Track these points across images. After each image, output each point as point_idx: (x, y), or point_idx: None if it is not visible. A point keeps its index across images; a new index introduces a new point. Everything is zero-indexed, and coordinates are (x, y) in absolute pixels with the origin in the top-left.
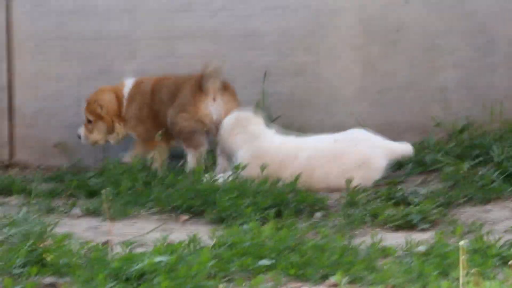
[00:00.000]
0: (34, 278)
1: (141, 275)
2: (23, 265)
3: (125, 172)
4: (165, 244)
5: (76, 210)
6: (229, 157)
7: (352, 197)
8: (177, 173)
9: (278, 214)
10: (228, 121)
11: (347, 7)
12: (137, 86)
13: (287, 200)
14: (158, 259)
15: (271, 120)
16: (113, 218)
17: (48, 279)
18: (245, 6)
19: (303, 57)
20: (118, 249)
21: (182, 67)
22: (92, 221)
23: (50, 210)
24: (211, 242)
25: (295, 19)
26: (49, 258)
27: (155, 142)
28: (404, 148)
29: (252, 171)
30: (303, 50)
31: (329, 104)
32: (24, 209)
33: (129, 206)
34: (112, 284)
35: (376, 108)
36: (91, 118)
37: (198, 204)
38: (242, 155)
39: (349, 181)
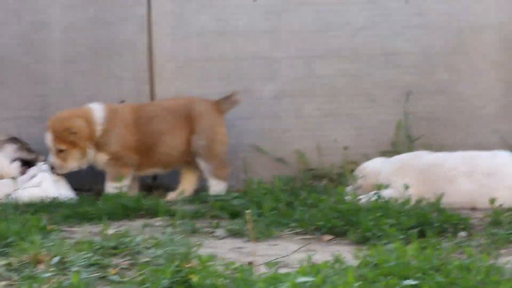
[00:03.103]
0: None
1: None
2: (169, 286)
3: (267, 193)
4: (309, 264)
5: (220, 231)
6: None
7: (497, 216)
8: (319, 193)
9: (422, 234)
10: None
11: (488, 25)
12: (113, 112)
13: (431, 220)
14: (302, 279)
15: (411, 140)
16: (256, 239)
17: None
18: (385, 25)
19: (444, 76)
20: (262, 270)
21: (322, 87)
22: (236, 242)
23: (194, 231)
24: (355, 262)
25: (436, 37)
26: (194, 279)
27: (129, 168)
28: None
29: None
30: (444, 69)
31: (470, 123)
32: (169, 230)
33: (272, 227)
34: None
35: None
36: (63, 147)
37: (341, 224)
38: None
39: (492, 200)
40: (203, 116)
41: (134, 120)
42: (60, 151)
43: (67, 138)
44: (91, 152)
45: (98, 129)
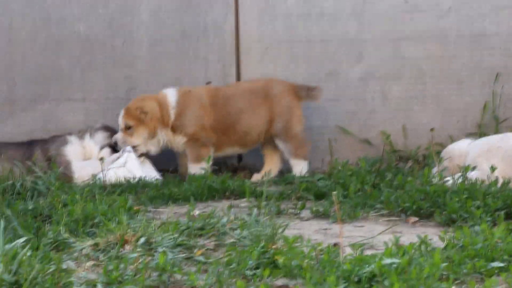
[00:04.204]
0: (266, 280)
1: (372, 276)
2: (255, 267)
3: (353, 174)
4: (396, 246)
5: (306, 213)
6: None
7: None
8: (405, 174)
9: (508, 216)
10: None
11: None
12: (186, 95)
13: None
14: (389, 261)
15: (498, 121)
16: (342, 220)
17: (280, 281)
18: (473, 6)
19: None
20: (348, 251)
21: (408, 69)
22: (321, 223)
23: (279, 212)
24: (441, 244)
25: None
26: (280, 260)
27: (208, 147)
28: None
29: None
30: None
31: None
32: (255, 211)
33: (357, 208)
34: (343, 286)
35: None
36: (131, 123)
37: (427, 206)
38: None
39: None
40: (280, 97)
41: (211, 101)
42: (127, 127)
43: (136, 116)
44: (162, 135)
45: (171, 112)
